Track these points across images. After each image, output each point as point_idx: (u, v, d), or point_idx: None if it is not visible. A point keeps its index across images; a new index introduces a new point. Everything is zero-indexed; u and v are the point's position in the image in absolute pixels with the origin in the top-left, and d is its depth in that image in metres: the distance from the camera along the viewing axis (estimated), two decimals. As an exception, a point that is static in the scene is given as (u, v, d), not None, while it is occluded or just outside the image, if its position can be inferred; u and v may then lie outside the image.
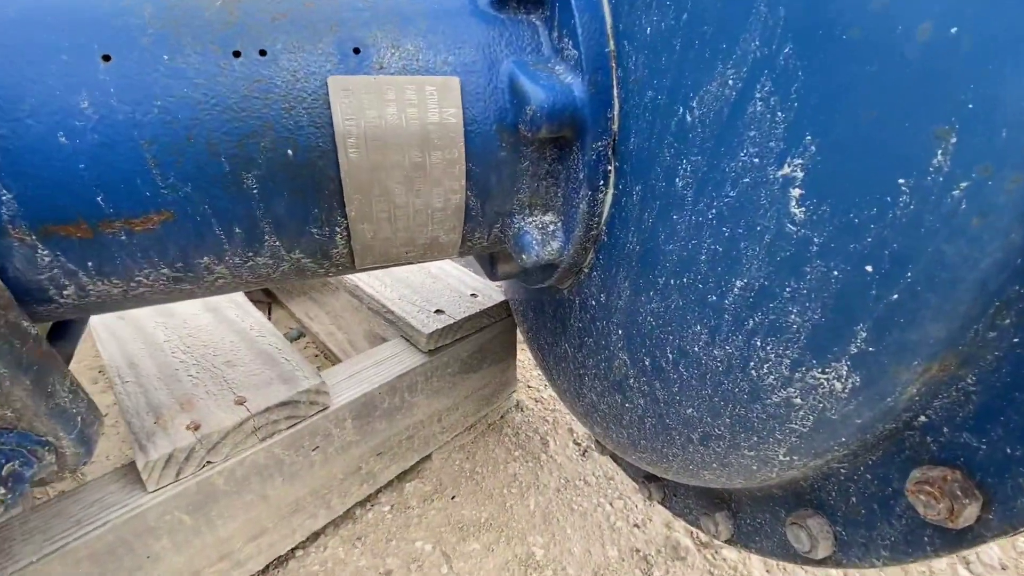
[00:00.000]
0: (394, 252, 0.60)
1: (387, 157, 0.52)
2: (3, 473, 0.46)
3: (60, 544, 0.61)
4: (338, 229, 0.55)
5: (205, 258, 0.51)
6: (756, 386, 0.44)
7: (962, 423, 0.36)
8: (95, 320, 0.96)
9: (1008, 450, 0.34)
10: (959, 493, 0.36)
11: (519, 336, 1.20)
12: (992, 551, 0.99)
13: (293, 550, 0.91)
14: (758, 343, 0.42)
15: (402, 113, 0.51)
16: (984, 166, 0.29)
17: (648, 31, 0.47)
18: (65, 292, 0.47)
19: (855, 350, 0.37)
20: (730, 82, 0.39)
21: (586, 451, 1.19)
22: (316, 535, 0.95)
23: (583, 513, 1.04)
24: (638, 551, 0.97)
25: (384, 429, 0.96)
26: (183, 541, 0.72)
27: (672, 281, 0.49)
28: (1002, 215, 0.29)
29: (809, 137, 0.35)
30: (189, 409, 0.74)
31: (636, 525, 1.01)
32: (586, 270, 0.63)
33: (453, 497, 1.05)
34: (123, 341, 0.90)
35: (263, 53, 0.47)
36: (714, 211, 0.43)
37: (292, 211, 0.51)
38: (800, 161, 0.36)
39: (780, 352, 0.41)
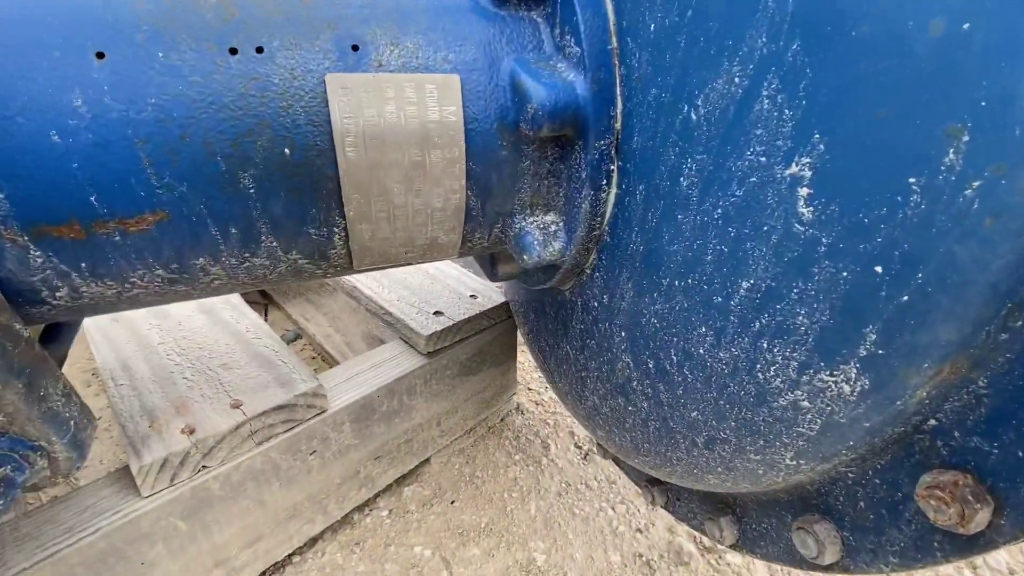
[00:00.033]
0: (393, 253, 0.60)
1: (386, 156, 0.51)
2: (-6, 479, 0.45)
3: (52, 551, 0.61)
4: (336, 229, 0.54)
5: (201, 259, 0.51)
6: (763, 389, 0.44)
7: (973, 427, 0.36)
8: (88, 322, 0.95)
9: (1020, 454, 0.33)
10: (970, 498, 0.36)
11: (519, 338, 1.19)
12: (1000, 556, 0.99)
13: (290, 556, 0.91)
14: (765, 345, 0.42)
15: (401, 111, 0.51)
16: (997, 165, 0.29)
17: (652, 28, 0.46)
18: (58, 294, 0.47)
19: (864, 352, 0.36)
20: (736, 79, 0.39)
21: (588, 455, 1.18)
22: (313, 541, 0.94)
23: (585, 518, 1.03)
24: (641, 556, 0.96)
25: (382, 433, 0.95)
26: (178, 548, 0.71)
27: (677, 282, 0.49)
28: (1015, 216, 0.29)
29: (817, 135, 0.35)
30: (184, 413, 0.74)
31: (639, 530, 1.01)
32: (588, 271, 0.63)
33: (453, 502, 1.05)
34: (117, 343, 0.90)
35: (260, 50, 0.47)
36: (720, 211, 0.43)
37: (289, 211, 0.51)
38: (808, 160, 0.36)
39: (787, 354, 0.41)
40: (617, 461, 0.91)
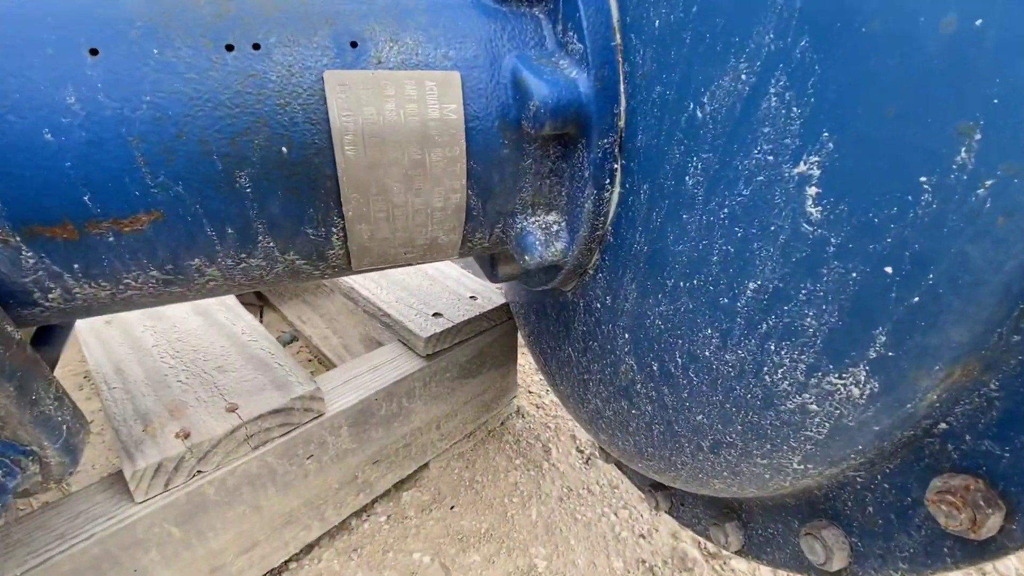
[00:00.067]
0: (392, 253, 0.60)
1: (385, 155, 0.51)
2: (-15, 484, 0.45)
3: (44, 558, 0.61)
4: (334, 229, 0.54)
5: (196, 260, 0.50)
6: (770, 392, 0.44)
7: (984, 430, 0.36)
8: (80, 324, 0.95)
9: (1033, 458, 0.33)
10: (982, 503, 0.35)
11: (520, 340, 1.19)
12: (1009, 561, 0.99)
13: (286, 563, 0.91)
14: (772, 347, 0.42)
15: (401, 109, 0.51)
16: (1009, 164, 0.28)
17: (656, 24, 0.46)
18: (50, 295, 0.47)
19: (874, 354, 0.36)
20: (743, 77, 0.39)
21: (590, 459, 1.18)
22: (310, 547, 0.94)
23: (587, 523, 1.03)
24: (644, 562, 0.96)
25: (381, 437, 0.95)
26: (172, 554, 0.71)
27: (682, 283, 0.49)
28: (1028, 215, 0.29)
29: (826, 133, 0.35)
30: (178, 416, 0.74)
31: (642, 535, 1.01)
32: (591, 272, 0.63)
33: (452, 507, 1.05)
34: (110, 346, 0.90)
35: (257, 47, 0.47)
36: (726, 210, 0.43)
37: (287, 211, 0.51)
38: (817, 158, 0.36)
39: (795, 356, 0.41)
40: (620, 465, 0.91)
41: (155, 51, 0.44)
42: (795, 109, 0.36)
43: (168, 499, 0.68)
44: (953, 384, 0.36)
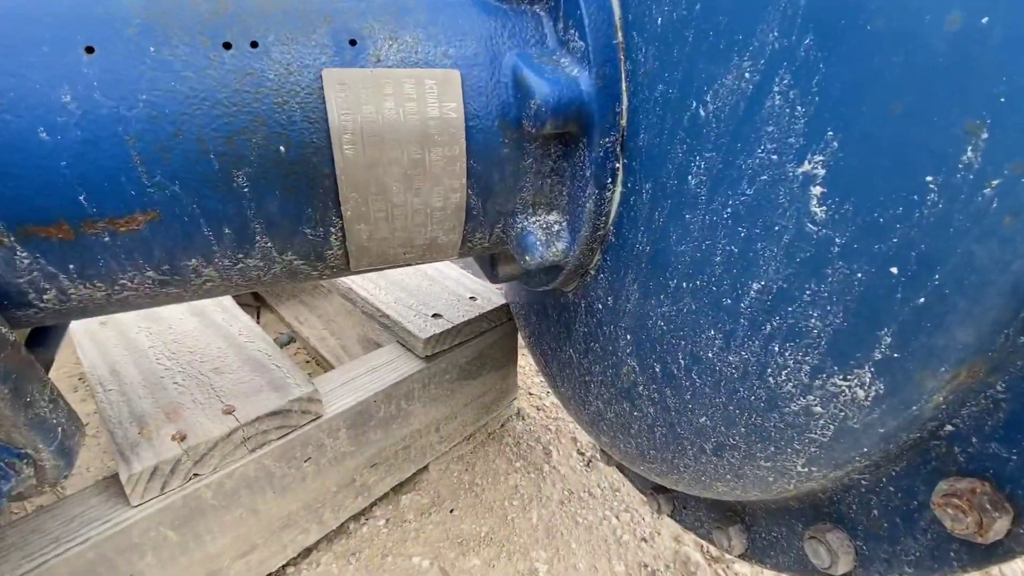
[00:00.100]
0: (391, 253, 0.60)
1: (384, 154, 0.51)
2: (-21, 488, 0.45)
3: (39, 562, 0.60)
4: (333, 229, 0.54)
5: (193, 260, 0.50)
6: (773, 394, 0.44)
7: (991, 432, 0.36)
8: (75, 325, 0.95)
9: (1040, 461, 0.33)
10: (988, 506, 0.35)
11: (520, 341, 1.19)
12: (1016, 564, 0.99)
13: (284, 567, 0.91)
14: (776, 349, 0.42)
15: (400, 108, 0.51)
16: (1016, 163, 0.29)
17: (659, 22, 0.46)
18: (45, 296, 0.47)
19: (879, 356, 0.36)
20: (746, 75, 0.39)
21: (591, 461, 1.18)
22: (308, 551, 0.94)
23: (588, 527, 1.03)
24: (646, 566, 0.96)
25: (379, 439, 0.95)
26: (168, 558, 0.71)
27: (684, 284, 0.49)
28: (1035, 214, 0.29)
29: (831, 132, 0.35)
30: (175, 419, 0.74)
31: (644, 539, 1.01)
32: (592, 272, 0.63)
33: (452, 510, 1.05)
34: (105, 347, 0.90)
35: (254, 45, 0.47)
36: (729, 210, 0.43)
37: (284, 211, 0.51)
38: (821, 158, 0.36)
39: (799, 358, 0.41)
40: (621, 468, 0.91)
41: (152, 49, 0.44)
42: (799, 108, 0.36)
43: (164, 502, 0.68)
44: (959, 386, 0.36)
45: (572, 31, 0.53)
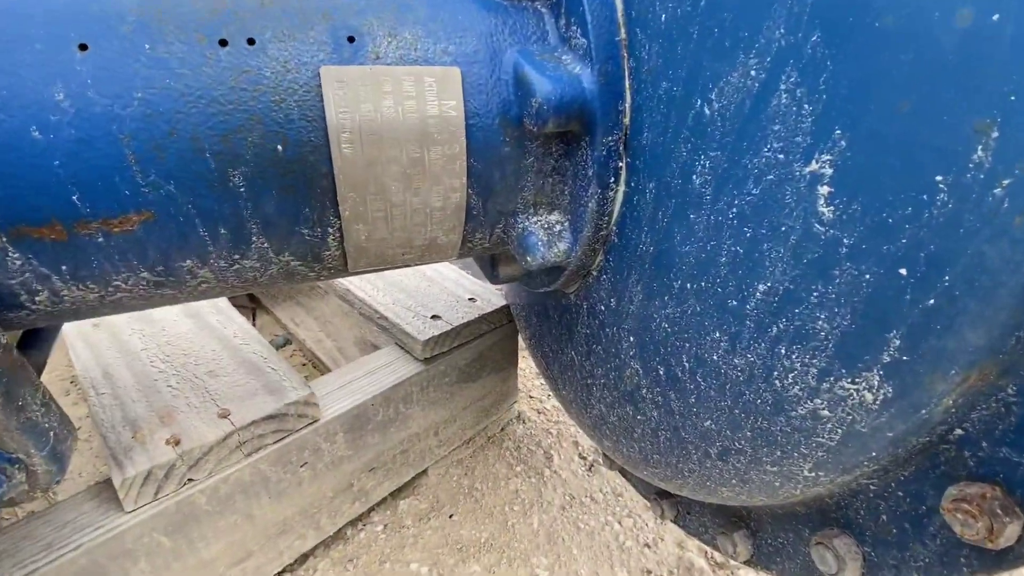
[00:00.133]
0: (390, 254, 0.60)
1: (383, 153, 0.51)
2: (-30, 493, 0.45)
3: (30, 569, 0.60)
4: (330, 230, 0.54)
5: (188, 261, 0.50)
6: (780, 397, 0.44)
7: (1002, 436, 0.36)
8: (67, 327, 0.95)
9: (1052, 466, 0.33)
10: (999, 511, 0.35)
11: (521, 343, 1.19)
12: (1025, 571, 0.99)
13: (280, 574, 0.91)
14: (782, 351, 0.42)
15: (399, 106, 0.51)
16: (1028, 162, 0.29)
17: (663, 18, 0.47)
18: (37, 298, 0.47)
19: (888, 359, 0.36)
20: (752, 73, 0.39)
21: (593, 466, 1.18)
22: (304, 557, 0.94)
23: (590, 532, 1.03)
24: (649, 573, 0.96)
25: (377, 443, 0.95)
26: (162, 565, 0.71)
27: (689, 285, 0.49)
28: (1047, 215, 0.29)
29: (839, 131, 0.35)
30: (169, 423, 0.74)
31: (647, 545, 1.01)
32: (595, 273, 0.63)
33: (451, 516, 1.05)
34: (97, 349, 0.90)
35: (251, 42, 0.47)
36: (735, 210, 0.43)
37: (281, 210, 0.51)
38: (829, 157, 0.36)
39: (806, 361, 0.41)
40: (624, 473, 0.91)
41: (147, 46, 0.44)
42: (806, 106, 0.36)
43: (158, 508, 0.68)
44: (969, 389, 0.36)
45: (574, 27, 0.53)
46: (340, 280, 1.20)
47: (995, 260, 0.31)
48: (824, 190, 0.36)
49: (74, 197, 0.43)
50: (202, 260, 0.51)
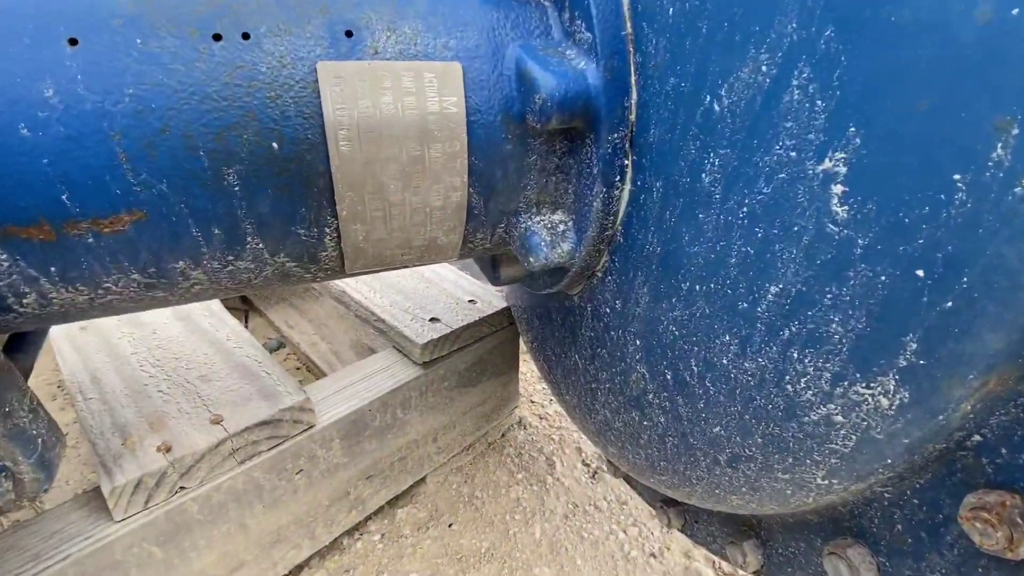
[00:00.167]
0: (388, 255, 0.60)
1: (382, 150, 0.51)
2: (-45, 503, 0.45)
3: (16, 581, 0.60)
4: (327, 230, 0.54)
5: (180, 262, 0.50)
6: (792, 402, 0.44)
7: (1021, 443, 0.36)
8: (54, 330, 0.95)
9: (1074, 473, 0.33)
10: (1019, 520, 0.35)
11: (522, 347, 1.19)
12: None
13: (274, 584, 0.90)
14: (795, 355, 0.42)
15: (399, 102, 0.51)
16: (1049, 161, 0.29)
17: (670, 12, 0.47)
18: (25, 300, 0.47)
19: (904, 363, 0.36)
20: (763, 68, 0.39)
21: (596, 473, 1.18)
22: (300, 568, 0.94)
23: (594, 542, 1.03)
24: (655, 583, 0.96)
25: (374, 450, 0.95)
26: (153, 576, 0.71)
27: (697, 287, 0.49)
28: (1069, 214, 0.29)
29: (853, 129, 0.35)
30: (159, 429, 0.73)
31: (652, 555, 1.01)
32: (599, 274, 0.63)
33: (450, 525, 1.04)
34: (85, 353, 0.89)
35: (246, 37, 0.47)
36: (745, 210, 0.43)
37: (277, 210, 0.51)
38: (843, 155, 0.36)
39: (820, 365, 0.41)
40: (629, 480, 0.91)
41: (138, 41, 0.44)
42: (819, 103, 0.36)
43: (149, 517, 0.68)
44: (988, 394, 0.36)
45: (579, 22, 0.53)
46: (336, 281, 1.20)
47: (1015, 261, 0.31)
48: (838, 189, 0.36)
49: (63, 196, 0.43)
50: (195, 261, 0.51)
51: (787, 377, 0.43)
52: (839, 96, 0.35)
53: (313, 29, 0.49)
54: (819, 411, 0.42)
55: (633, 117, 0.53)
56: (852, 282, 0.37)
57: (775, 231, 0.41)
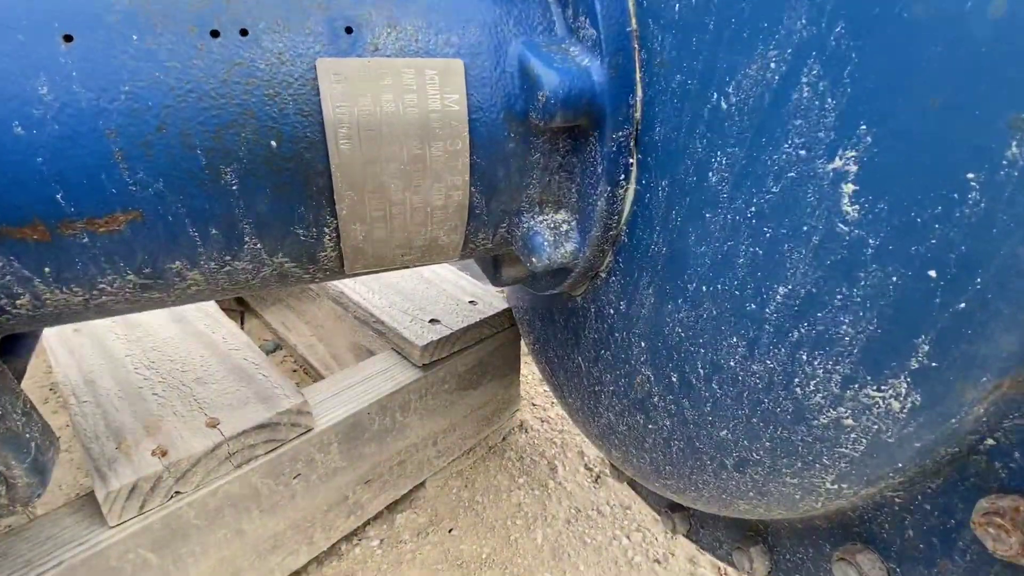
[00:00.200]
0: (388, 255, 0.60)
1: (382, 149, 0.51)
2: (-53, 508, 0.45)
3: (9, 588, 0.60)
4: (326, 230, 0.54)
5: (177, 263, 0.50)
6: (801, 405, 0.44)
7: (1035, 447, 0.36)
8: (48, 331, 0.95)
9: (1090, 477, 0.33)
10: (1033, 526, 0.35)
11: (523, 348, 1.19)
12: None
13: (271, 591, 0.90)
14: (804, 357, 0.42)
15: (399, 100, 0.51)
16: (1065, 159, 0.29)
17: (676, 8, 0.47)
18: (18, 302, 0.47)
19: (916, 365, 0.36)
20: (772, 65, 0.39)
21: (599, 477, 1.18)
22: (297, 574, 0.94)
23: (597, 547, 1.03)
24: (659, 589, 0.96)
25: (373, 453, 0.95)
26: (148, 583, 0.71)
27: (704, 287, 0.49)
28: (1085, 214, 0.29)
29: (864, 127, 0.35)
30: (155, 433, 0.73)
31: (657, 560, 1.01)
32: (603, 275, 0.63)
33: (450, 530, 1.04)
34: (79, 355, 0.89)
35: (244, 33, 0.47)
36: (754, 209, 0.43)
37: (275, 210, 0.51)
38: (854, 153, 0.36)
39: (829, 367, 0.41)
40: (633, 484, 0.91)
41: (135, 37, 0.44)
42: (830, 100, 0.36)
43: (144, 523, 0.68)
44: (1001, 397, 0.36)
45: (582, 18, 0.53)
46: (334, 282, 1.20)
47: (1030, 262, 0.31)
48: (848, 188, 0.36)
49: (58, 196, 0.43)
50: (192, 262, 0.51)
51: (796, 380, 0.43)
52: (850, 93, 0.35)
53: (312, 25, 0.49)
54: (829, 414, 0.42)
55: (638, 115, 0.53)
56: (863, 283, 0.37)
57: (784, 231, 0.41)
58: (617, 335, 0.63)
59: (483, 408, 1.16)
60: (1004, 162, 0.30)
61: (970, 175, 0.31)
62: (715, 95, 0.44)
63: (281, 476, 0.81)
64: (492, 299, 1.12)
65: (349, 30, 0.50)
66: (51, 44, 0.42)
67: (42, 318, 0.50)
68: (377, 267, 0.61)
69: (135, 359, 0.89)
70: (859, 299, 0.38)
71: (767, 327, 0.44)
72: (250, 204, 0.49)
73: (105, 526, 0.67)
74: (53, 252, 0.45)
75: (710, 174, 0.46)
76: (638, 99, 0.52)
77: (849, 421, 0.41)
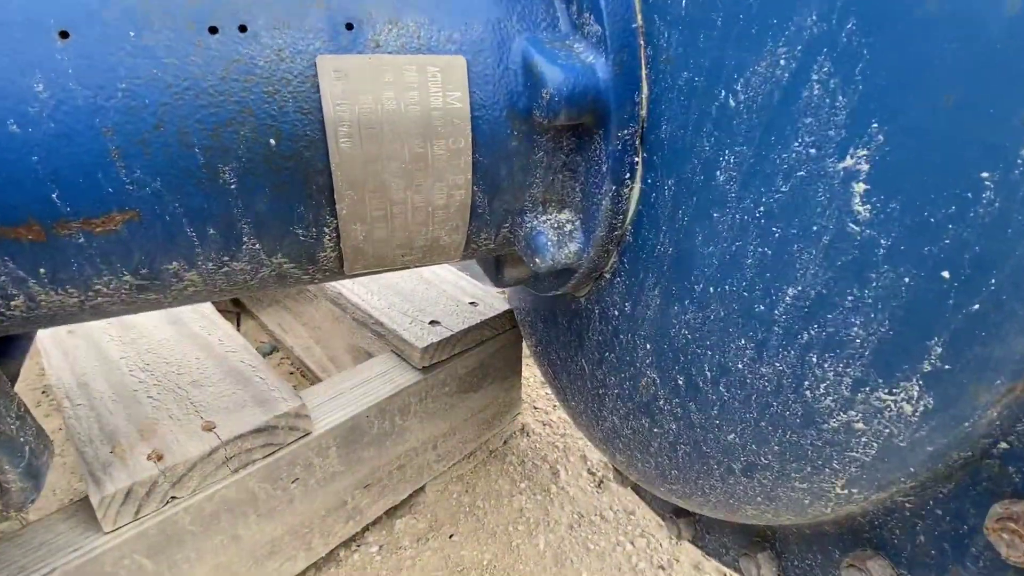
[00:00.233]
0: (389, 255, 0.60)
1: (383, 148, 0.51)
2: (-60, 514, 0.45)
3: (2, 595, 0.60)
4: (326, 230, 0.54)
5: (174, 263, 0.50)
6: (811, 409, 0.44)
7: (1050, 451, 0.36)
8: (41, 333, 0.95)
9: (1106, 482, 0.33)
10: (1048, 532, 0.35)
11: (525, 350, 1.19)
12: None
13: (268, 598, 0.90)
14: (814, 360, 0.42)
15: (401, 98, 0.51)
16: (1081, 158, 0.29)
17: (683, 4, 0.47)
18: (12, 303, 0.47)
19: (928, 368, 0.36)
20: (782, 62, 0.39)
21: (602, 482, 1.18)
22: (294, 580, 0.94)
23: (600, 553, 1.03)
24: (664, 596, 0.96)
25: (372, 458, 0.95)
26: (143, 589, 0.71)
27: (711, 289, 0.49)
28: (1102, 214, 0.29)
29: (876, 125, 0.35)
30: (150, 436, 0.73)
31: (661, 567, 1.01)
32: (608, 276, 0.63)
33: (451, 536, 1.04)
34: (73, 357, 0.89)
35: (243, 29, 0.47)
36: (762, 209, 0.43)
37: (274, 209, 0.51)
38: (865, 152, 0.36)
39: (840, 370, 0.41)
40: (637, 489, 0.90)
41: (132, 33, 0.44)
42: (840, 98, 0.36)
43: (139, 528, 0.68)
44: (1015, 400, 0.36)
45: (587, 14, 0.53)
46: (332, 283, 1.20)
47: (1046, 263, 0.31)
48: (859, 187, 0.36)
49: (53, 195, 0.43)
50: (189, 262, 0.51)
51: (806, 382, 0.43)
52: (861, 91, 0.35)
53: (312, 22, 0.49)
54: (839, 418, 0.42)
55: (644, 113, 0.53)
56: (874, 284, 0.37)
57: (793, 231, 0.41)
58: (622, 337, 0.63)
59: (484, 411, 1.16)
60: (1019, 160, 0.30)
61: (984, 174, 0.31)
62: (723, 92, 0.44)
63: (279, 481, 0.81)
64: (493, 300, 1.12)
65: (350, 26, 0.50)
66: (47, 40, 0.42)
67: (37, 320, 0.50)
68: (377, 268, 0.61)
69: (130, 361, 0.89)
70: (870, 300, 0.38)
71: (776, 329, 0.44)
72: (248, 203, 0.49)
73: (100, 532, 0.67)
74: (48, 253, 0.45)
75: (718, 173, 0.46)
76: (644, 96, 0.52)
77: (860, 425, 0.41)
